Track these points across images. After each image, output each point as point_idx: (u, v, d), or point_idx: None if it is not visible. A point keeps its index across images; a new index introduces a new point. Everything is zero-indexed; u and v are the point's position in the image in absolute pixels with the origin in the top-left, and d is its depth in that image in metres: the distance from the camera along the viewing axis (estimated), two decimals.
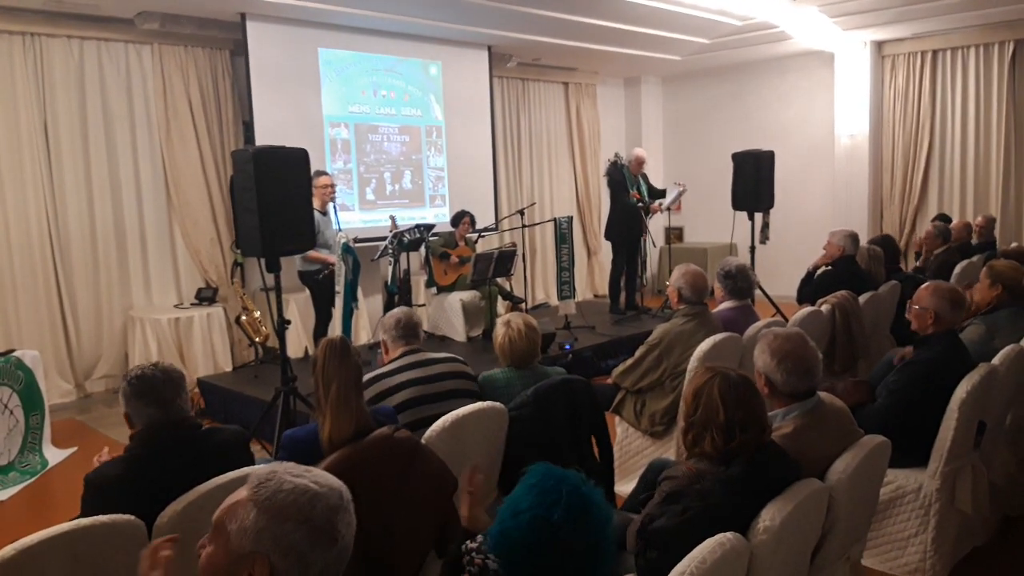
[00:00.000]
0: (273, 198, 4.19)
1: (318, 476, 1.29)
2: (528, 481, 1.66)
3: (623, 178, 7.79)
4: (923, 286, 3.32)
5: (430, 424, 2.70)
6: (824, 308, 4.63)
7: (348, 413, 2.42)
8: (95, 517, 1.90)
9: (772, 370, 2.37)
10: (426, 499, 2.48)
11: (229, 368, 6.77)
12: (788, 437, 2.25)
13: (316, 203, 5.77)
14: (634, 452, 4.06)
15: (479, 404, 2.76)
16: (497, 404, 2.83)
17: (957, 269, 6.01)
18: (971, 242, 7.10)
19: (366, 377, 2.91)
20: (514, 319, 3.25)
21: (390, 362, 3.09)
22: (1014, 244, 7.75)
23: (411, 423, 2.79)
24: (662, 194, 8.16)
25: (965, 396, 2.96)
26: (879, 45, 9.27)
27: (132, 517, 1.96)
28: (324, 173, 6.04)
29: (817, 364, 2.36)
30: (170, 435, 2.23)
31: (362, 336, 7.41)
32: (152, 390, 2.23)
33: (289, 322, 4.79)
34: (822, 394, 2.43)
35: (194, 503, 2.08)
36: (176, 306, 6.90)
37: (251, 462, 2.35)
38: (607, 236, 8.16)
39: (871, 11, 7.87)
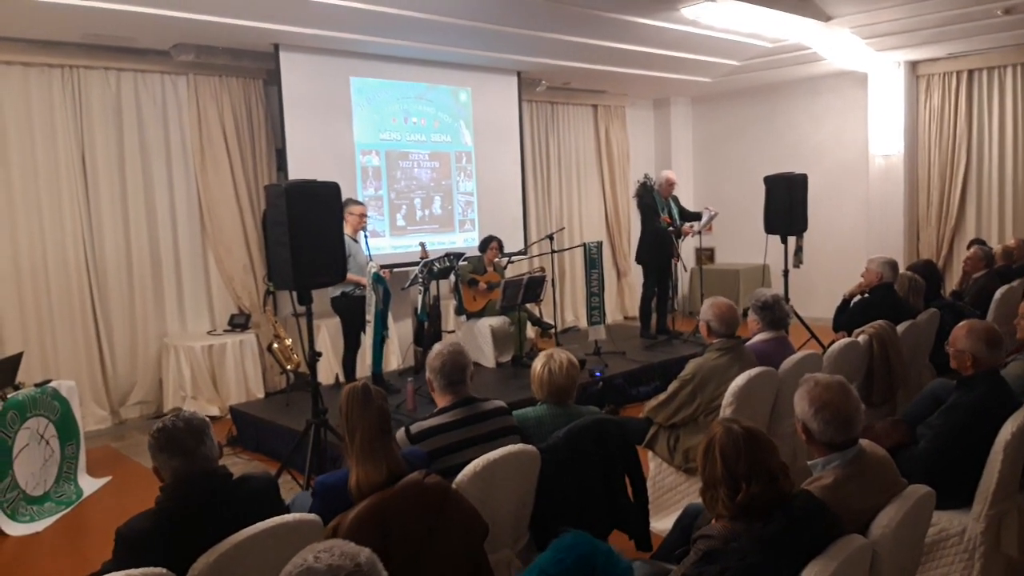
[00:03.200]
0: (305, 231, 4.23)
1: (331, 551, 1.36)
2: (557, 547, 1.62)
3: (653, 201, 7.74)
4: (958, 326, 3.23)
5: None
6: (861, 339, 4.53)
7: (375, 460, 2.41)
8: (127, 572, 1.90)
9: (809, 419, 2.31)
10: (456, 546, 2.45)
11: (261, 394, 6.82)
12: (828, 489, 2.18)
13: (348, 229, 5.84)
14: (668, 488, 3.99)
15: (510, 447, 2.73)
16: (529, 447, 2.79)
17: (997, 294, 5.87)
18: (1011, 266, 6.94)
19: (422, 427, 2.90)
20: (558, 353, 3.23)
21: (442, 411, 2.98)
22: None
23: (448, 468, 2.74)
24: (694, 217, 8.09)
25: (1010, 437, 2.87)
26: (913, 65, 9.15)
27: (164, 570, 1.95)
28: (359, 202, 6.11)
29: (858, 415, 2.30)
30: (199, 486, 2.23)
31: (392, 362, 7.42)
32: (174, 441, 2.23)
33: (320, 354, 4.81)
34: (864, 442, 2.36)
35: (226, 554, 2.07)
36: (209, 332, 6.97)
37: (283, 510, 2.33)
38: (638, 260, 8.11)
39: (905, 32, 7.77)
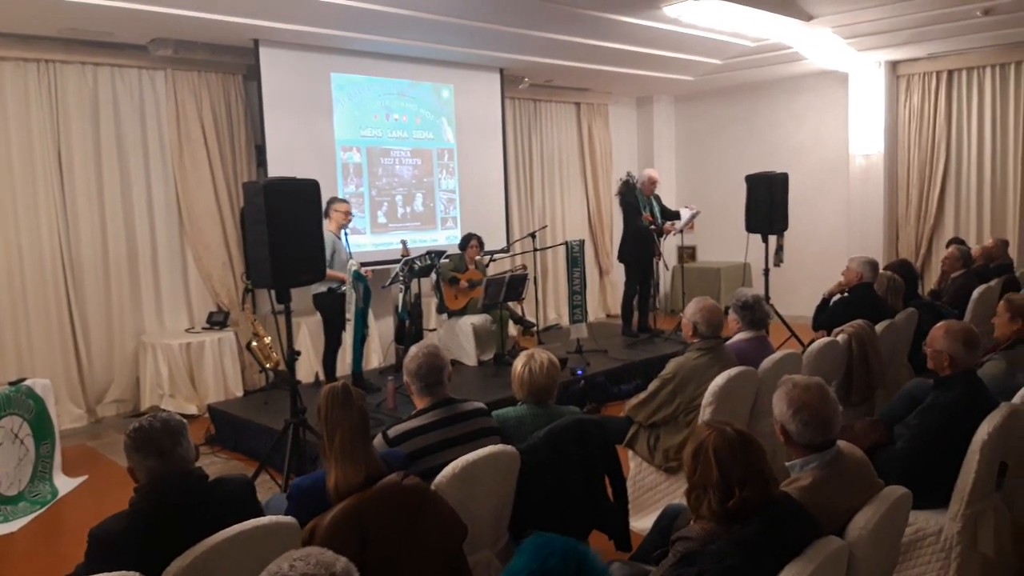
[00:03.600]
0: (284, 230, 4.19)
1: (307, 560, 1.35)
2: (524, 549, 1.61)
3: (636, 200, 7.75)
4: (936, 327, 3.25)
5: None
6: (840, 338, 4.56)
7: (355, 461, 2.39)
8: (101, 575, 1.87)
9: (788, 420, 2.31)
10: (435, 547, 2.44)
11: (240, 392, 6.77)
12: (806, 490, 2.19)
13: (332, 226, 5.82)
14: (648, 487, 4.00)
15: (490, 448, 2.71)
16: (509, 448, 2.78)
17: (975, 294, 5.92)
18: (988, 265, 7.01)
19: (400, 430, 2.87)
20: (538, 353, 3.21)
21: (420, 413, 2.96)
22: None
23: (428, 470, 2.72)
24: (675, 216, 8.11)
25: (987, 438, 2.89)
26: (894, 65, 9.22)
27: (137, 574, 1.92)
28: (343, 200, 6.11)
29: (836, 417, 2.31)
30: (174, 488, 2.20)
31: (373, 360, 7.39)
32: (150, 442, 2.20)
33: (299, 353, 4.79)
34: (841, 443, 2.37)
35: (201, 557, 2.04)
36: (188, 330, 6.91)
37: (258, 513, 2.31)
38: (620, 258, 8.12)
39: (886, 32, 7.82)
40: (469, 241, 7.25)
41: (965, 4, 6.90)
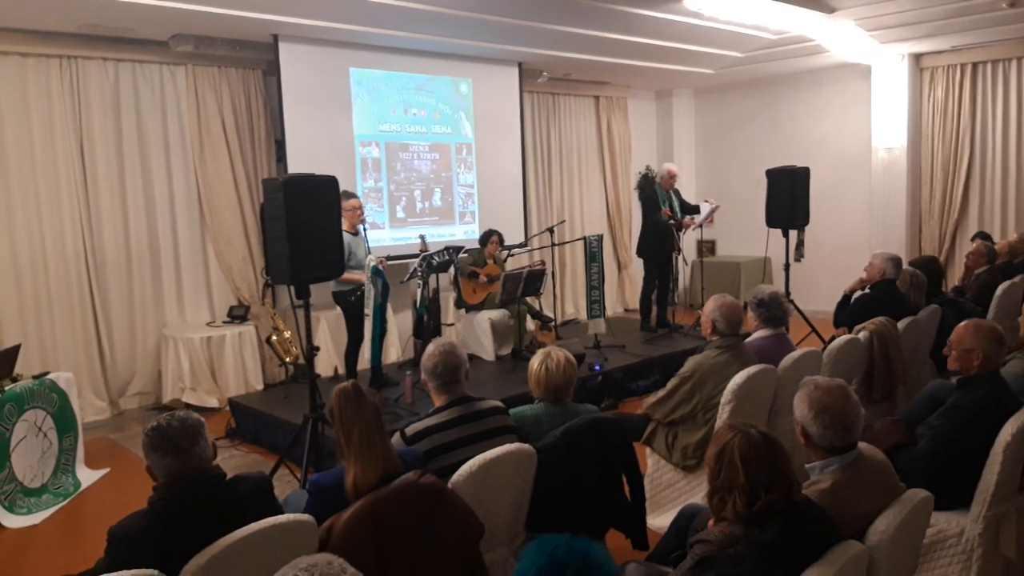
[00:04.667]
0: (303, 226, 4.20)
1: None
2: (528, 551, 1.60)
3: (655, 194, 7.71)
4: (962, 325, 3.19)
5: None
6: (862, 335, 4.51)
7: (374, 458, 2.40)
8: (119, 573, 1.88)
9: (809, 422, 2.29)
10: (451, 546, 2.45)
11: (260, 386, 6.81)
12: (825, 494, 2.17)
13: (345, 224, 5.77)
14: (666, 485, 3.98)
15: (507, 447, 2.71)
16: (525, 446, 2.78)
17: (999, 290, 5.84)
18: (1013, 261, 6.90)
19: (417, 428, 2.88)
20: (555, 351, 3.21)
21: (437, 410, 2.96)
22: None
23: (444, 467, 2.73)
24: (695, 210, 8.05)
25: (1010, 439, 2.85)
26: (917, 58, 9.09)
27: (156, 572, 1.94)
28: (353, 195, 6.00)
29: (858, 419, 2.28)
30: (192, 486, 2.21)
31: (391, 354, 7.40)
32: (168, 441, 2.21)
33: (318, 348, 4.81)
34: (862, 446, 2.34)
35: (219, 555, 2.06)
36: (208, 324, 6.96)
37: (276, 510, 2.32)
38: (639, 253, 8.08)
39: (909, 24, 7.71)
40: (490, 237, 7.24)
41: None
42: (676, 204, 7.84)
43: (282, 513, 2.28)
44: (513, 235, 8.22)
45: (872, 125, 9.36)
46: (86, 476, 5.12)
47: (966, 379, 3.13)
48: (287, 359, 6.40)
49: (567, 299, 9.91)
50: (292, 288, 4.42)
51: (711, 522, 2.10)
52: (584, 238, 7.35)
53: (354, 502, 2.34)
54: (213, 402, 6.55)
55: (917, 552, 2.47)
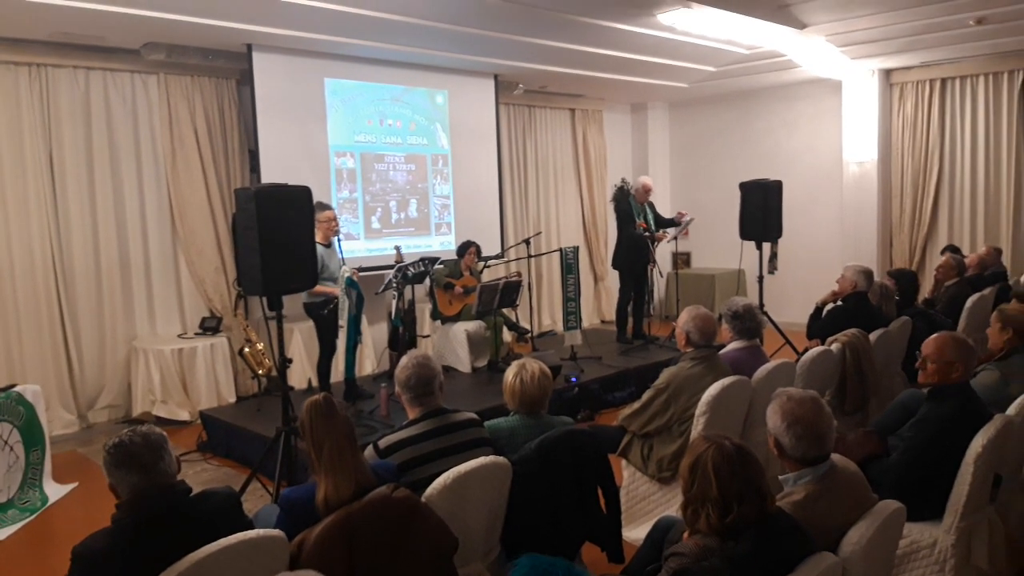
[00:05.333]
0: (275, 237, 4.17)
1: None
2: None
3: (629, 207, 7.74)
4: (936, 337, 3.23)
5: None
6: (834, 347, 4.55)
7: (345, 472, 2.37)
8: None
9: (781, 433, 2.30)
10: (425, 561, 2.42)
11: (232, 399, 6.73)
12: (798, 505, 2.17)
13: (319, 236, 5.70)
14: (641, 497, 3.98)
15: (482, 460, 2.69)
16: (500, 459, 2.76)
17: (968, 303, 5.92)
18: (982, 274, 7.01)
19: (391, 441, 2.85)
20: (530, 363, 3.19)
21: (411, 423, 2.93)
22: None
23: (418, 480, 2.70)
24: (669, 223, 8.10)
25: (981, 450, 2.88)
26: (887, 73, 9.24)
27: None
28: (327, 207, 5.93)
29: (830, 431, 2.29)
30: (157, 503, 2.16)
31: (366, 366, 7.36)
32: (132, 457, 2.15)
33: (291, 360, 4.76)
34: (835, 457, 2.36)
35: (186, 572, 2.01)
36: (180, 336, 6.87)
37: (246, 526, 2.27)
38: (614, 265, 8.11)
39: (879, 40, 7.83)
40: (467, 248, 7.23)
41: (958, 13, 6.91)
42: (651, 217, 7.88)
43: (252, 528, 2.23)
44: (489, 246, 8.21)
45: (843, 139, 9.50)
46: (54, 491, 5.01)
47: (937, 390, 3.16)
48: (260, 371, 6.33)
49: (543, 311, 9.92)
50: (265, 299, 4.37)
51: (686, 534, 2.10)
52: (560, 250, 7.36)
53: (325, 517, 2.30)
54: (184, 415, 6.46)
55: (890, 563, 2.48)
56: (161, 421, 6.24)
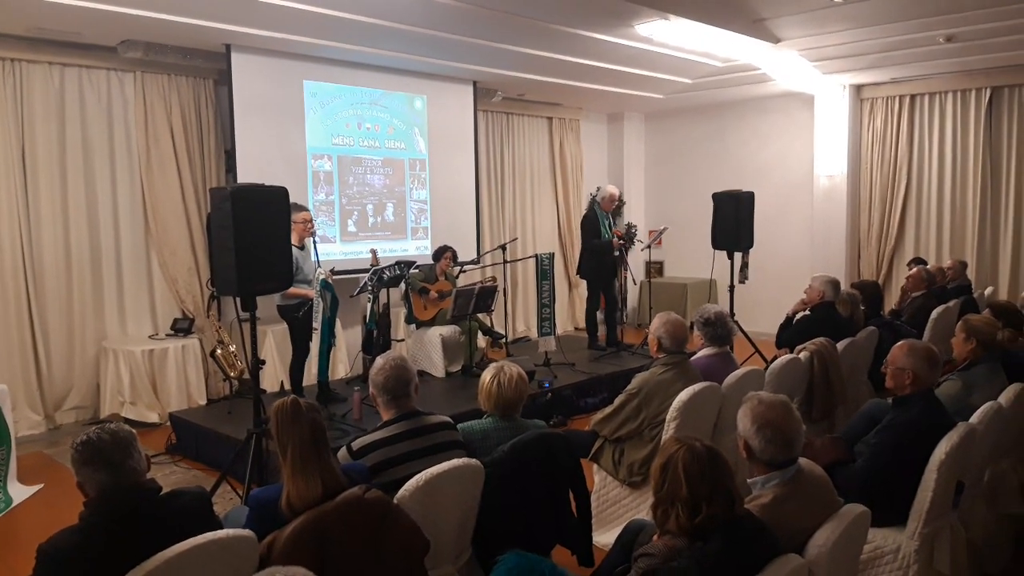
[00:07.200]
0: (251, 237, 4.14)
1: None
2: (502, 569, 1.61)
3: (596, 216, 7.81)
4: (898, 345, 3.31)
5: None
6: (803, 355, 4.63)
7: (309, 475, 2.36)
8: None
9: (751, 436, 2.34)
10: (396, 562, 2.42)
11: (203, 401, 6.67)
12: (766, 508, 2.21)
13: (294, 238, 5.66)
14: (612, 501, 4.01)
15: (454, 462, 2.70)
16: (472, 461, 2.77)
17: (934, 314, 6.04)
18: (947, 286, 7.16)
19: (363, 442, 2.85)
20: (508, 366, 3.19)
21: (385, 424, 2.93)
22: (989, 288, 7.86)
23: (391, 481, 2.70)
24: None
25: (944, 457, 2.94)
26: (858, 88, 9.41)
27: None
28: (304, 208, 5.90)
29: (799, 435, 2.33)
30: (126, 501, 2.13)
31: (339, 370, 7.33)
32: (99, 454, 2.12)
33: (264, 362, 4.73)
34: (802, 461, 2.40)
35: (155, 571, 2.00)
36: (151, 336, 6.79)
37: (215, 525, 2.26)
38: (579, 274, 8.20)
39: (850, 56, 7.98)
40: (444, 253, 7.25)
41: (928, 31, 7.06)
42: (609, 223, 7.93)
43: (221, 528, 2.22)
44: (465, 252, 8.23)
45: (814, 152, 9.65)
46: (19, 492, 4.93)
47: (901, 398, 3.23)
48: (232, 373, 6.29)
49: (518, 316, 9.95)
50: (238, 300, 4.34)
51: (656, 536, 2.13)
52: (536, 256, 7.40)
53: (289, 519, 2.30)
54: (153, 417, 6.38)
55: (855, 566, 2.53)
56: (130, 423, 6.16)
